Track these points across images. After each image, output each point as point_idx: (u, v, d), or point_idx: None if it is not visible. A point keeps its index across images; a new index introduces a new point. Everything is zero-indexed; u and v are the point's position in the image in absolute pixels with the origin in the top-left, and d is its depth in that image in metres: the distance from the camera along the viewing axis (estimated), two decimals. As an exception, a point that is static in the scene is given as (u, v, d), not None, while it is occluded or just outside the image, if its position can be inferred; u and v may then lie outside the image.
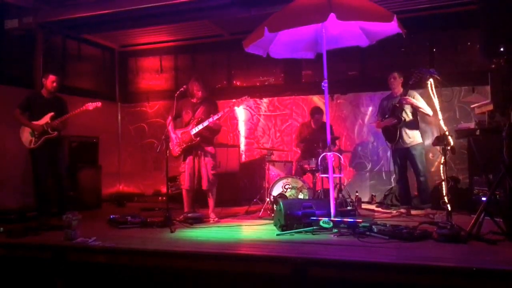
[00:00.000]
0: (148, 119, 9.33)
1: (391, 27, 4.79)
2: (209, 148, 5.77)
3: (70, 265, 4.11)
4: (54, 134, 5.90)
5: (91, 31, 8.22)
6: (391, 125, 5.91)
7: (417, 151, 5.90)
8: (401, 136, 5.88)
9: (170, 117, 5.81)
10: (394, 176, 7.54)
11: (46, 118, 5.90)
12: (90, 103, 6.05)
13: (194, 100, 5.79)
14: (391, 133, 5.96)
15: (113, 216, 5.55)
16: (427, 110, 5.71)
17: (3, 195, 6.61)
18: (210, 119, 5.55)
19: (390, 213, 6.27)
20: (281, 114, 8.49)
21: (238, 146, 8.38)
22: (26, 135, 5.92)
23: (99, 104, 6.11)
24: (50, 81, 5.98)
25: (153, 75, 9.53)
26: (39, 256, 4.25)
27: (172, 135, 5.71)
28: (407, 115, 5.86)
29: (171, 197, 6.12)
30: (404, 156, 6.01)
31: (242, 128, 8.71)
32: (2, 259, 4.39)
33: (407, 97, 5.73)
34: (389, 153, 7.67)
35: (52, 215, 5.79)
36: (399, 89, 6.00)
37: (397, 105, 5.84)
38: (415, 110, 5.88)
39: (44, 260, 4.20)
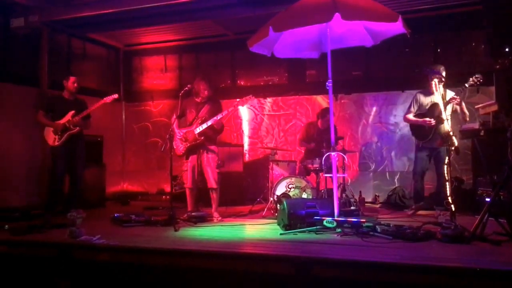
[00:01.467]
0: (152, 118, 9.36)
1: (396, 27, 4.79)
2: (213, 147, 5.78)
3: (75, 262, 4.13)
4: (76, 129, 6.08)
5: (96, 30, 8.24)
6: (430, 125, 5.69)
7: (446, 154, 5.75)
8: (435, 135, 5.69)
9: (174, 116, 5.83)
10: (398, 176, 7.57)
11: (68, 116, 6.08)
12: (107, 97, 6.22)
13: (199, 100, 5.80)
14: (425, 130, 5.78)
15: (117, 214, 5.59)
16: (467, 113, 5.55)
17: (8, 193, 6.64)
18: (215, 118, 5.56)
19: (405, 213, 6.13)
20: (285, 114, 8.49)
21: (242, 146, 8.39)
22: (50, 134, 6.10)
23: (116, 95, 6.28)
24: (71, 82, 6.21)
25: (157, 74, 9.55)
26: (44, 253, 4.28)
27: (177, 134, 5.73)
28: (447, 116, 5.46)
29: (174, 196, 6.14)
30: (430, 156, 5.88)
31: (246, 127, 8.72)
32: (7, 256, 4.42)
33: (458, 98, 5.50)
34: (393, 153, 7.69)
35: (57, 213, 5.82)
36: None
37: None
38: (453, 112, 5.73)
39: (49, 258, 4.22)
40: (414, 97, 6.07)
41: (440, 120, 5.57)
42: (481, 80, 5.12)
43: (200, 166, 5.75)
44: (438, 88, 5.05)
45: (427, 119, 5.75)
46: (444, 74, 5.53)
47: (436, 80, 5.06)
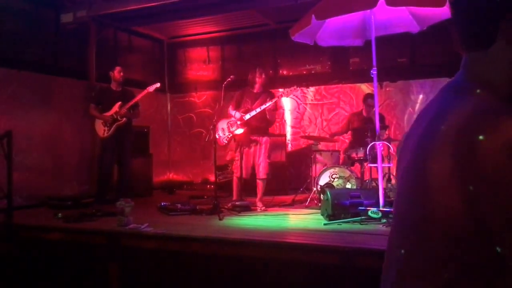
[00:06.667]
0: (196, 109, 9.47)
1: (443, 12, 4.61)
2: (264, 138, 5.83)
3: (123, 249, 4.28)
4: (123, 120, 6.36)
5: (141, 23, 8.41)
6: None
7: None
8: None
9: (231, 106, 5.91)
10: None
11: (115, 108, 6.36)
12: (150, 86, 6.52)
13: (255, 90, 5.85)
14: None
15: (164, 203, 5.73)
16: None
17: (60, 183, 6.92)
18: (263, 106, 5.60)
19: None
20: (328, 103, 8.39)
21: (285, 136, 8.37)
22: (99, 126, 6.42)
23: (158, 84, 6.59)
24: (117, 71, 6.51)
25: (200, 65, 9.65)
26: (94, 241, 4.46)
27: (222, 125, 5.80)
28: None
29: (219, 186, 6.22)
30: None
31: (288, 117, 8.68)
32: (60, 243, 4.64)
33: None
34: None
35: (107, 202, 6.03)
36: None
37: None
38: None
39: (99, 245, 4.40)
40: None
41: None
42: None
43: (252, 156, 5.81)
44: None
45: None
46: None
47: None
